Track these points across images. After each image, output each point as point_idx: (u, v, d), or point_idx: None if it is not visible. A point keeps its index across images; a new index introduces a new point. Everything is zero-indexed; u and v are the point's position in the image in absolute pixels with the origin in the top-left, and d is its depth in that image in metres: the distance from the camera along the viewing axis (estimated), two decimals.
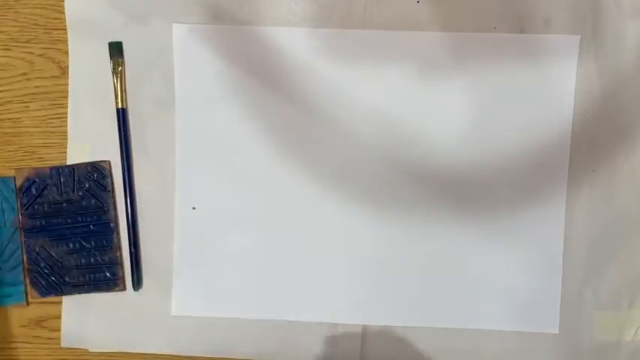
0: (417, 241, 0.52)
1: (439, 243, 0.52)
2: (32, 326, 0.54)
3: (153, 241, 0.53)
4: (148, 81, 0.52)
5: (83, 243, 0.53)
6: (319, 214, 0.52)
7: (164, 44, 0.52)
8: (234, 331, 0.53)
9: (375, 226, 0.52)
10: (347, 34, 0.51)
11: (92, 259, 0.53)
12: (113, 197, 0.53)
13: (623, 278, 0.52)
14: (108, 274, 0.53)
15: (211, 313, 0.53)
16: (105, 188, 0.53)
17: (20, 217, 0.53)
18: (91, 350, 0.53)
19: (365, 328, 0.53)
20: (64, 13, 0.52)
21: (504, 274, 0.52)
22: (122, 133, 0.52)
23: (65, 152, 0.53)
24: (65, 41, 0.52)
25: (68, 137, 0.53)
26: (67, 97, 0.53)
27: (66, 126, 0.53)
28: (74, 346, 0.53)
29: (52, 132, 0.53)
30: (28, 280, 0.53)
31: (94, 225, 0.53)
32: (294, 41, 0.51)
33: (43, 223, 0.53)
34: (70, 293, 0.53)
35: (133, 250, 0.53)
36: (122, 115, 0.52)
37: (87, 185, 0.53)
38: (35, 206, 0.53)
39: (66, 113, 0.53)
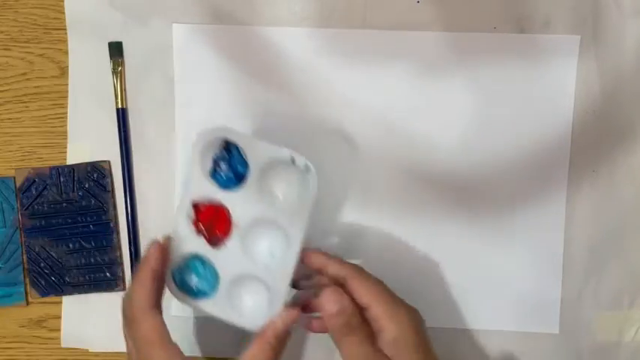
0: (417, 241, 0.52)
1: (439, 243, 0.52)
2: (32, 326, 0.54)
3: None
4: (148, 81, 0.52)
5: (83, 243, 0.53)
6: (319, 214, 0.52)
7: (164, 44, 0.52)
8: (233, 331, 0.53)
9: (375, 226, 0.52)
10: (347, 34, 0.51)
11: (92, 259, 0.53)
12: (113, 197, 0.53)
13: (623, 278, 0.52)
14: (108, 274, 0.53)
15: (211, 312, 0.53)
16: (105, 188, 0.53)
17: (20, 217, 0.53)
18: (91, 350, 0.53)
19: None
20: (63, 13, 0.52)
21: (504, 275, 0.52)
22: (122, 133, 0.52)
23: (65, 152, 0.53)
24: (65, 41, 0.52)
25: (68, 137, 0.53)
26: (67, 97, 0.52)
27: (66, 126, 0.53)
28: (74, 346, 0.53)
29: (52, 132, 0.53)
30: (28, 280, 0.53)
31: (94, 225, 0.53)
32: (294, 41, 0.51)
33: (43, 223, 0.53)
34: (70, 293, 0.53)
35: (133, 250, 0.53)
36: (122, 115, 0.52)
37: (87, 185, 0.53)
38: (35, 206, 0.53)
39: (66, 113, 0.53)
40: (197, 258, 0.46)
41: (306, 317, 0.47)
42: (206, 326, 0.53)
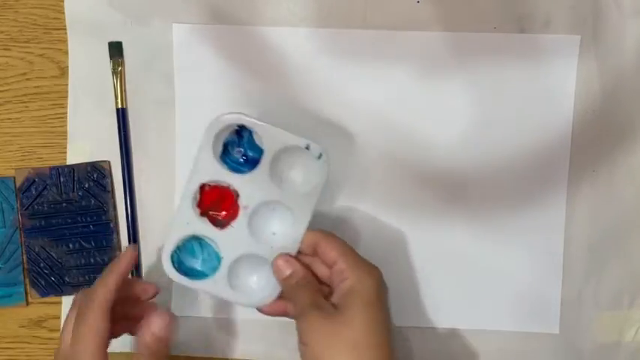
0: (417, 240, 0.52)
1: (439, 243, 0.52)
2: (32, 326, 0.54)
3: (153, 241, 0.53)
4: (148, 81, 0.52)
5: (83, 243, 0.53)
6: (319, 214, 0.52)
7: (164, 44, 0.52)
8: (234, 331, 0.53)
9: (375, 226, 0.52)
10: (347, 34, 0.51)
11: (92, 259, 0.53)
12: (113, 197, 0.53)
13: (623, 278, 0.52)
14: None
15: (211, 313, 0.53)
16: (105, 188, 0.53)
17: (20, 217, 0.53)
18: None
19: None
20: (63, 13, 0.52)
21: (504, 274, 0.52)
22: (122, 133, 0.52)
23: (65, 152, 0.53)
24: (65, 41, 0.52)
25: (68, 137, 0.53)
26: (67, 97, 0.52)
27: (66, 126, 0.53)
28: None
29: (52, 132, 0.53)
30: (27, 280, 0.53)
31: (94, 225, 0.53)
32: (294, 41, 0.51)
33: (43, 223, 0.53)
34: (70, 293, 0.53)
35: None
36: (122, 115, 0.52)
37: (87, 185, 0.53)
38: (35, 206, 0.52)
39: (66, 113, 0.53)
40: (195, 239, 0.47)
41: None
42: (206, 326, 0.53)
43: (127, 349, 0.53)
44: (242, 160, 0.47)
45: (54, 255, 0.53)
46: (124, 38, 0.52)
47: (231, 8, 0.51)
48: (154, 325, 0.44)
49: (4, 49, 0.53)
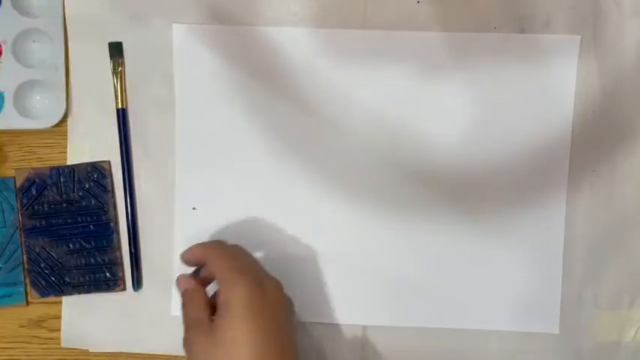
0: (417, 241, 0.52)
1: (439, 243, 0.52)
2: (32, 326, 0.54)
3: (153, 241, 0.53)
4: (148, 81, 0.52)
5: (83, 243, 0.53)
6: (319, 214, 0.52)
7: (164, 44, 0.52)
8: None
9: (376, 227, 0.52)
10: (347, 34, 0.51)
11: (92, 260, 0.53)
12: (113, 197, 0.53)
13: (623, 278, 0.52)
14: (108, 274, 0.53)
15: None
16: (105, 188, 0.53)
17: (20, 217, 0.53)
18: (91, 350, 0.53)
19: (365, 328, 0.53)
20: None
21: (504, 274, 0.52)
22: (122, 133, 0.52)
23: (65, 152, 0.53)
24: (65, 41, 0.52)
25: (68, 137, 0.53)
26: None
27: (66, 126, 0.53)
28: (74, 346, 0.53)
29: (52, 132, 0.53)
30: (28, 280, 0.53)
31: (94, 225, 0.53)
32: (294, 41, 0.51)
33: (43, 223, 0.53)
34: (70, 293, 0.53)
35: (133, 250, 0.53)
36: (122, 115, 0.52)
37: (87, 185, 0.53)
38: (35, 206, 0.52)
39: (72, 110, 0.53)
40: None
41: None
42: None
43: (127, 349, 0.53)
44: None
45: (54, 255, 0.53)
46: (124, 38, 0.52)
47: (231, 8, 0.51)
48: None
49: None
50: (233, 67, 0.52)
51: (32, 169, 0.53)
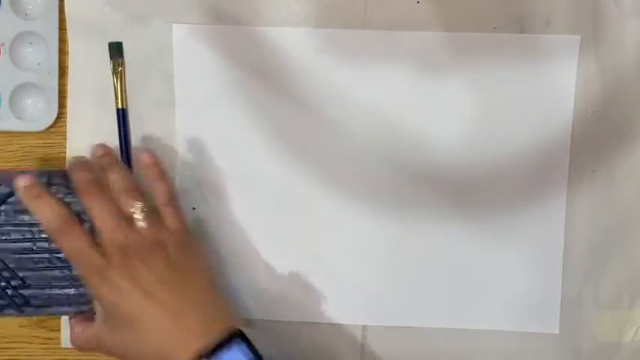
0: (417, 241, 0.52)
1: (439, 243, 0.52)
2: (32, 326, 0.54)
3: None
4: (148, 81, 0.52)
5: None
6: (319, 214, 0.52)
7: (164, 44, 0.52)
8: None
9: (376, 226, 0.52)
10: (347, 34, 0.51)
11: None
12: None
13: (623, 278, 0.52)
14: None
15: None
16: None
17: None
18: None
19: (365, 328, 0.53)
20: (64, 13, 0.52)
21: (505, 274, 0.52)
22: (122, 133, 0.52)
23: (65, 152, 0.53)
24: (65, 41, 0.52)
25: (67, 138, 0.52)
26: (67, 97, 0.52)
27: (66, 126, 0.53)
28: None
29: (51, 133, 0.53)
30: None
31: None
32: (294, 41, 0.51)
33: None
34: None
35: None
36: (122, 115, 0.52)
37: None
38: None
39: (66, 113, 0.52)
40: None
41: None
42: None
43: None
44: None
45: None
46: (124, 38, 0.52)
47: (231, 8, 0.51)
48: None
49: None
50: (233, 67, 0.52)
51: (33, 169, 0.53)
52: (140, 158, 0.49)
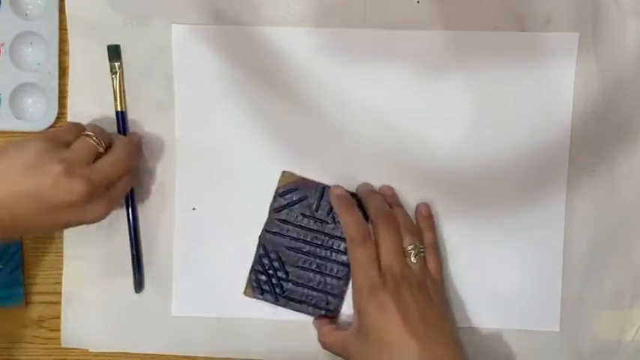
0: None
1: (439, 242, 0.52)
2: (32, 326, 0.54)
3: (153, 241, 0.53)
4: (147, 81, 0.52)
5: None
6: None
7: (164, 45, 0.52)
8: (233, 331, 0.53)
9: None
10: (347, 34, 0.51)
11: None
12: None
13: (624, 278, 0.52)
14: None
15: (211, 313, 0.53)
16: None
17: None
18: (91, 350, 0.53)
19: None
20: (64, 13, 0.52)
21: (505, 274, 0.52)
22: (122, 134, 0.52)
23: None
24: (65, 41, 0.52)
25: None
26: (67, 97, 0.52)
27: None
28: (74, 346, 0.53)
29: None
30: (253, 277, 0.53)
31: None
32: (294, 41, 0.51)
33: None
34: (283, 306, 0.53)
35: (134, 252, 0.52)
36: (121, 118, 0.52)
37: None
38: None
39: (66, 113, 0.53)
40: None
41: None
42: (206, 326, 0.53)
43: (127, 349, 0.53)
44: None
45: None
46: (124, 39, 0.52)
47: (230, 9, 0.51)
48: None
49: None
50: (233, 67, 0.52)
51: None
52: (419, 210, 0.51)
